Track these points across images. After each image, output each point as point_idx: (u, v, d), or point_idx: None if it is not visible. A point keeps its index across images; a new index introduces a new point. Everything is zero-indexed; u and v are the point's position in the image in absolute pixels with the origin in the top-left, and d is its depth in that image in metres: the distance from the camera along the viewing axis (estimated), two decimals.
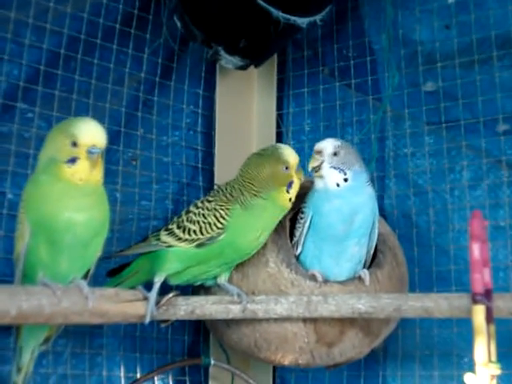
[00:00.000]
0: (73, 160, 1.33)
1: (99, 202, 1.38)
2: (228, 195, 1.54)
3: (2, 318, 1.27)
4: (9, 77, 1.66)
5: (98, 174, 1.36)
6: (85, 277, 1.43)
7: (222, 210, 1.52)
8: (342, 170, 1.58)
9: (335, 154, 1.59)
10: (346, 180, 1.58)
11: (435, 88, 1.90)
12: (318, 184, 1.60)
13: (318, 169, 1.59)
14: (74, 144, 1.33)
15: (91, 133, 1.34)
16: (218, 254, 1.53)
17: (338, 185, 1.58)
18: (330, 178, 1.58)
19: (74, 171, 1.33)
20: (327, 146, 1.60)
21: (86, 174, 1.33)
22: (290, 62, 2.10)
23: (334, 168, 1.58)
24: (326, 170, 1.58)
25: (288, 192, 1.53)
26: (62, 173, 1.33)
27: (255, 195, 1.53)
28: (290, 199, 1.54)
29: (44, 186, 1.35)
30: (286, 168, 1.53)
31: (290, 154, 1.55)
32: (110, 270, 1.65)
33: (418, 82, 1.92)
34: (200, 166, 1.98)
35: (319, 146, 1.61)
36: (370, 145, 1.96)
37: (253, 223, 1.52)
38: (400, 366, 1.85)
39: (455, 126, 1.86)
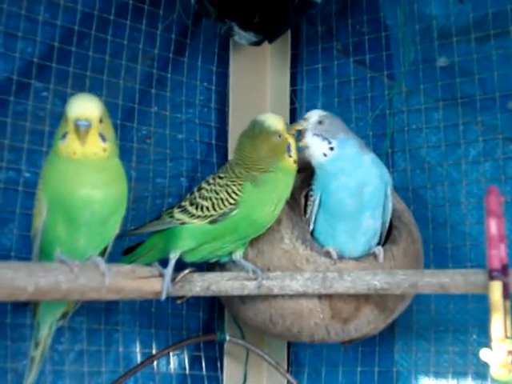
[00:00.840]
0: (64, 135, 1.32)
1: (116, 179, 1.37)
2: (237, 173, 1.55)
3: (20, 294, 1.27)
4: (23, 54, 1.66)
5: (92, 147, 1.32)
6: (102, 254, 1.43)
7: (234, 185, 1.52)
8: (326, 139, 1.58)
9: (320, 122, 1.60)
10: (332, 149, 1.58)
11: (448, 63, 1.88)
12: (308, 157, 1.60)
13: (301, 137, 1.60)
14: (66, 119, 1.32)
15: (78, 105, 1.32)
16: (232, 230, 1.53)
17: (324, 154, 1.58)
18: (315, 147, 1.59)
19: (65, 146, 1.32)
20: (313, 114, 1.61)
21: (76, 147, 1.31)
22: (303, 38, 2.08)
23: (317, 135, 1.59)
24: (310, 137, 1.59)
25: (290, 156, 1.55)
26: (58, 149, 1.33)
27: (264, 171, 1.53)
28: (295, 161, 1.56)
29: (52, 164, 1.36)
30: (279, 136, 1.55)
31: (275, 123, 1.56)
32: (126, 249, 1.66)
33: (431, 58, 1.90)
34: (214, 142, 1.98)
35: (306, 114, 1.63)
36: (379, 121, 1.95)
37: (267, 197, 1.52)
38: (415, 341, 1.85)
39: (468, 101, 1.85)
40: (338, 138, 1.59)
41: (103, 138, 1.33)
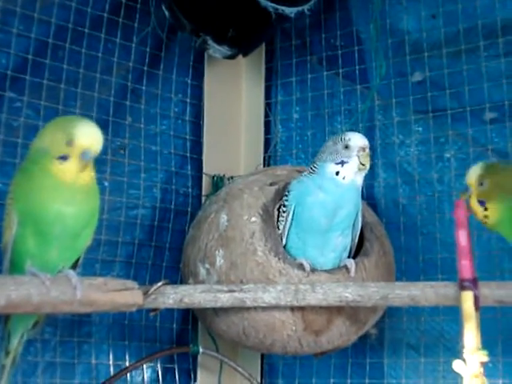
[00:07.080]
0: (64, 157, 1.32)
1: (89, 197, 1.37)
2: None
3: None
4: None
5: (86, 176, 1.35)
6: (74, 266, 1.43)
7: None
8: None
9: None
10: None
11: (422, 77, 1.90)
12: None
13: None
14: (70, 143, 1.32)
15: (89, 136, 1.33)
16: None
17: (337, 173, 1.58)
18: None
19: (64, 168, 1.32)
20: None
21: (74, 174, 1.33)
22: (278, 51, 2.10)
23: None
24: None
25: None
26: (52, 167, 1.33)
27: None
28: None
29: (33, 176, 1.35)
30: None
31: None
32: None
33: (405, 72, 1.92)
34: (188, 155, 1.98)
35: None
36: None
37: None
38: (386, 353, 1.86)
39: (443, 114, 1.87)
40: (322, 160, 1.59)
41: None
